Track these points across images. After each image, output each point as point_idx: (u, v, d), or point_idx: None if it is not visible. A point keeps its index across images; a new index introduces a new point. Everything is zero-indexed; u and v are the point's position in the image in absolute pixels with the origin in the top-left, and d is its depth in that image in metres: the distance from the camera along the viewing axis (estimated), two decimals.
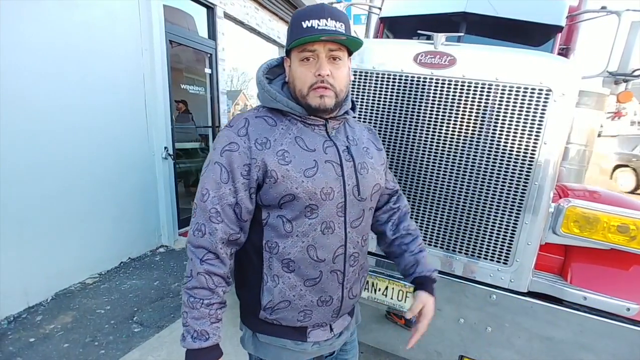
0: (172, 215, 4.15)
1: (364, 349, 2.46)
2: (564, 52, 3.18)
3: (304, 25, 0.94)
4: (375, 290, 1.93)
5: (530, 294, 1.70)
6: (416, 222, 1.81)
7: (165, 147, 3.89)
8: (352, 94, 1.86)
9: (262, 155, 0.96)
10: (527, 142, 1.60)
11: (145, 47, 3.48)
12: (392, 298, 1.89)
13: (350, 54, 1.04)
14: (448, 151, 1.72)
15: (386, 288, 1.90)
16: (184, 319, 0.98)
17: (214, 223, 0.96)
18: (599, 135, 3.03)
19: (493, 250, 1.72)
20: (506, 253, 1.70)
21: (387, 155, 1.81)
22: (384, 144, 1.81)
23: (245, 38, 6.11)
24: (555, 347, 1.65)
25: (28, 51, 2.56)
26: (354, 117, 1.19)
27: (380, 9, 3.43)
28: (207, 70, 4.97)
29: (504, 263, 1.71)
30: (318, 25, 0.93)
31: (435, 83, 1.70)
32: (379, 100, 1.81)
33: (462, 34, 1.78)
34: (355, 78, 1.85)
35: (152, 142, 3.75)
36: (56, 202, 2.83)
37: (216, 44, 4.94)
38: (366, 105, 1.84)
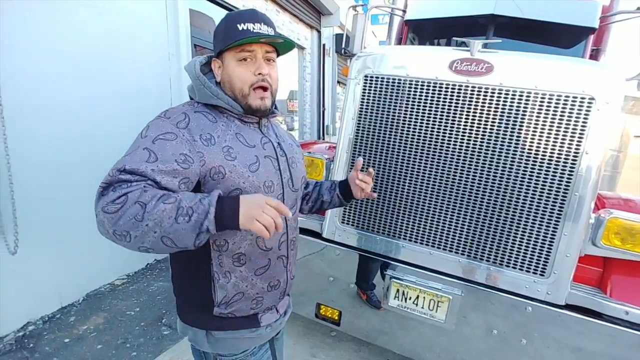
0: None
1: (390, 356, 2.44)
2: (595, 54, 3.09)
3: (240, 28, 0.99)
4: (405, 299, 1.91)
5: (568, 306, 1.66)
6: (449, 232, 1.79)
7: None
8: (385, 101, 1.85)
9: (208, 151, 0.95)
10: (567, 151, 1.56)
11: (172, 52, 3.54)
12: (422, 307, 1.88)
13: (277, 56, 1.12)
14: (483, 160, 1.69)
15: (417, 297, 1.88)
16: (181, 221, 0.82)
17: (135, 183, 0.85)
18: None
19: (529, 261, 1.68)
20: (543, 264, 1.67)
21: (421, 162, 1.80)
22: (416, 151, 1.80)
23: None
24: (586, 358, 1.61)
25: (62, 58, 2.62)
26: (278, 116, 1.24)
27: (404, 11, 3.39)
28: None
29: (540, 274, 1.68)
30: (254, 28, 0.99)
31: (471, 90, 1.68)
32: (412, 107, 1.80)
33: (499, 40, 1.73)
34: (387, 85, 1.84)
35: None
36: (87, 205, 2.87)
37: None
38: (399, 112, 1.83)
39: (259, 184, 1.02)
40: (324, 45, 7.89)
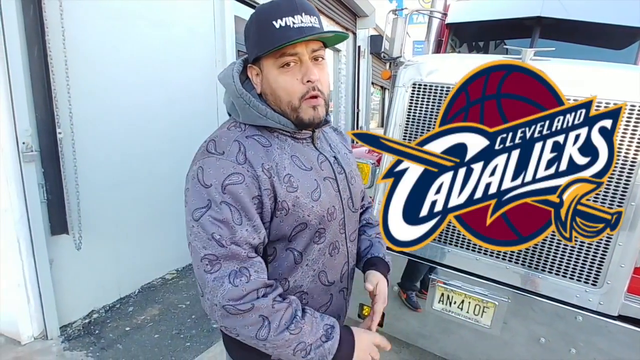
0: None
1: (431, 358, 2.47)
2: None
3: (277, 25, 0.79)
4: (450, 303, 1.94)
5: (620, 317, 1.64)
6: None
7: None
8: (434, 108, 1.88)
9: (272, 183, 0.81)
10: (623, 160, 1.54)
11: (219, 59, 3.73)
12: (467, 312, 1.90)
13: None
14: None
15: (462, 302, 1.90)
16: (298, 355, 0.79)
17: (251, 261, 0.79)
18: None
19: (581, 270, 1.67)
20: (596, 274, 1.65)
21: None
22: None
23: None
24: None
25: (123, 66, 2.84)
26: (330, 123, 1.06)
27: (445, 14, 3.37)
28: None
29: (592, 284, 1.66)
30: (294, 23, 0.79)
31: None
32: None
33: (552, 48, 1.73)
34: (435, 93, 1.87)
35: None
36: (143, 204, 3.11)
37: None
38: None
39: (323, 213, 0.88)
40: (359, 47, 7.92)
